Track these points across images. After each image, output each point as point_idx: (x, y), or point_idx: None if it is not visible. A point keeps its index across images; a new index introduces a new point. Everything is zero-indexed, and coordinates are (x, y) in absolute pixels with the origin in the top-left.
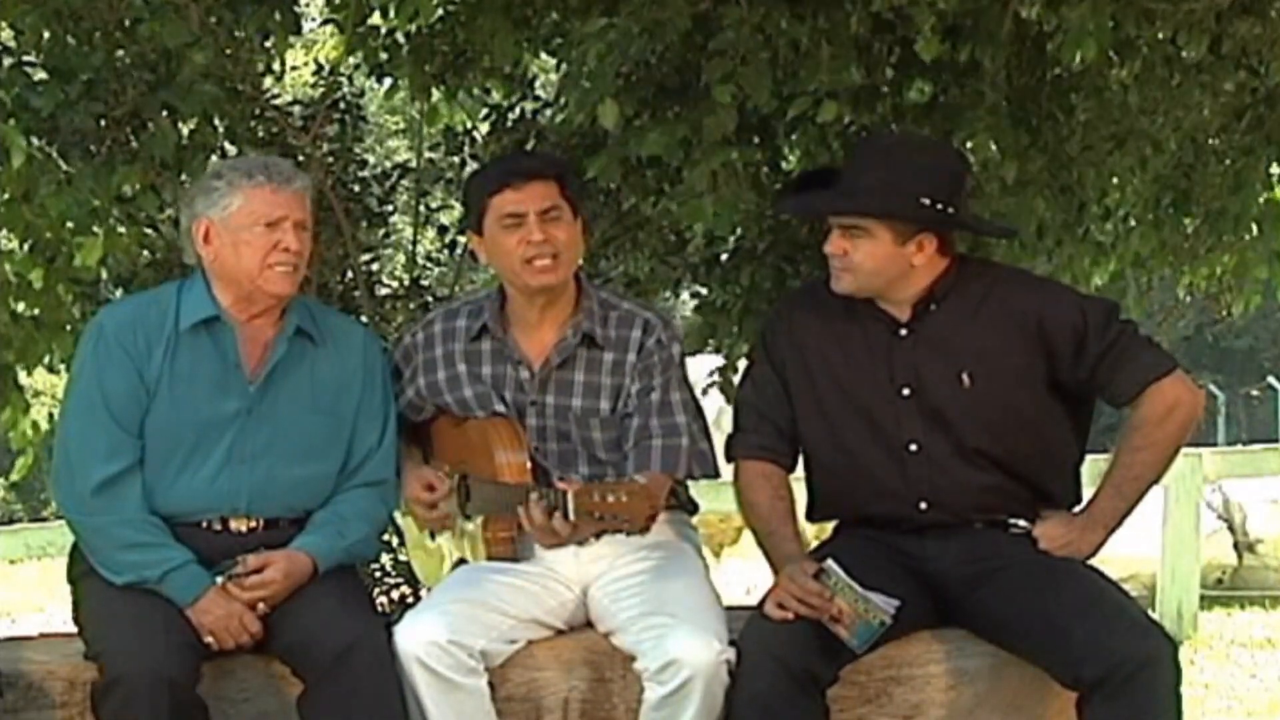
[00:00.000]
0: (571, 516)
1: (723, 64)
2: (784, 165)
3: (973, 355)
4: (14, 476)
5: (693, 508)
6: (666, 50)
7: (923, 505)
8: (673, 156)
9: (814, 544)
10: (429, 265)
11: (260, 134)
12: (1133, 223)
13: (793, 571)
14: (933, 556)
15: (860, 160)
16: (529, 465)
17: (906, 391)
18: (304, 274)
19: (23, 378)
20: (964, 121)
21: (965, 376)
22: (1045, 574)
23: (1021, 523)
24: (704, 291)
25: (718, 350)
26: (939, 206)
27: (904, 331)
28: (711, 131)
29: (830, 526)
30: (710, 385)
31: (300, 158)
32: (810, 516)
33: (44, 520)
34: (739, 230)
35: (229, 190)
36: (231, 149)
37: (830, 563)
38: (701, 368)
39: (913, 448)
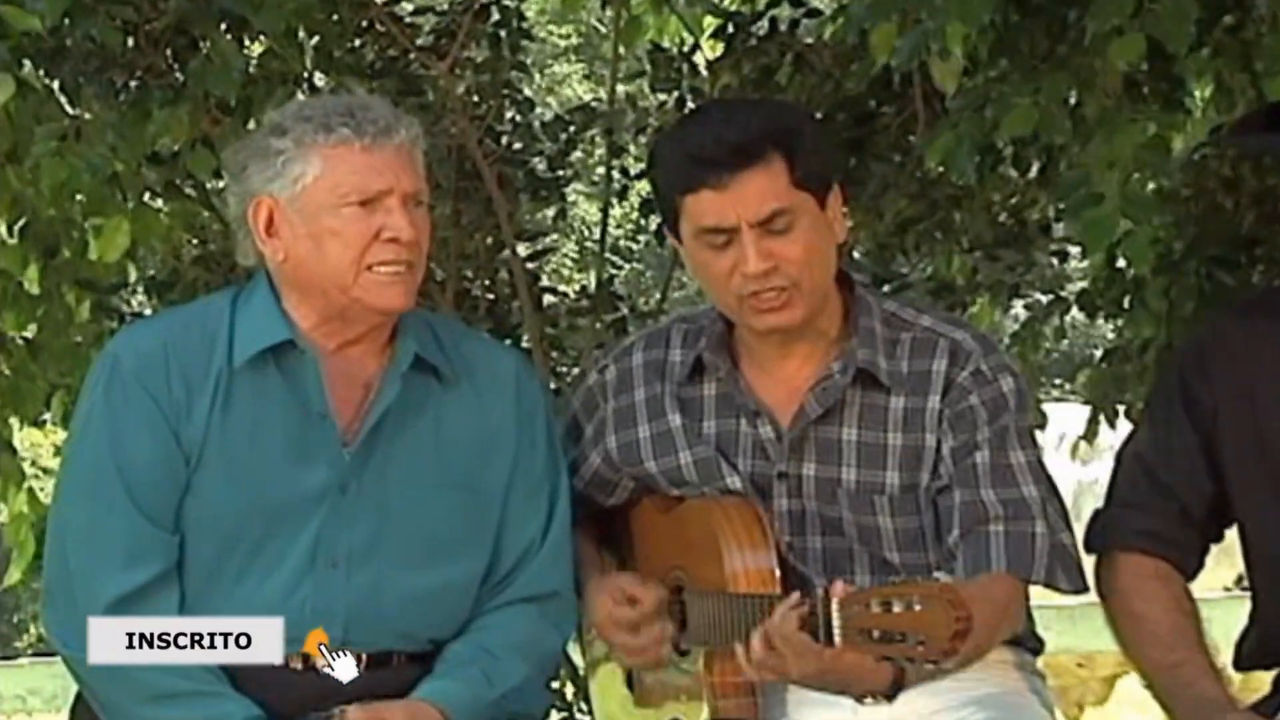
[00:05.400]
0: (837, 637)
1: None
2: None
3: None
4: (8, 580)
5: (1037, 643)
6: None
7: None
8: (1053, 133)
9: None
10: (621, 261)
11: (370, 59)
12: None
13: None
14: None
15: None
16: (776, 573)
17: None
18: (423, 275)
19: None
20: None
21: None
22: None
23: None
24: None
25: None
26: None
27: None
28: (1109, 79)
29: (1270, 678)
30: None
31: (429, 95)
32: (1240, 660)
33: (13, 658)
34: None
35: (298, 152)
36: (323, 82)
37: None
38: None
39: None
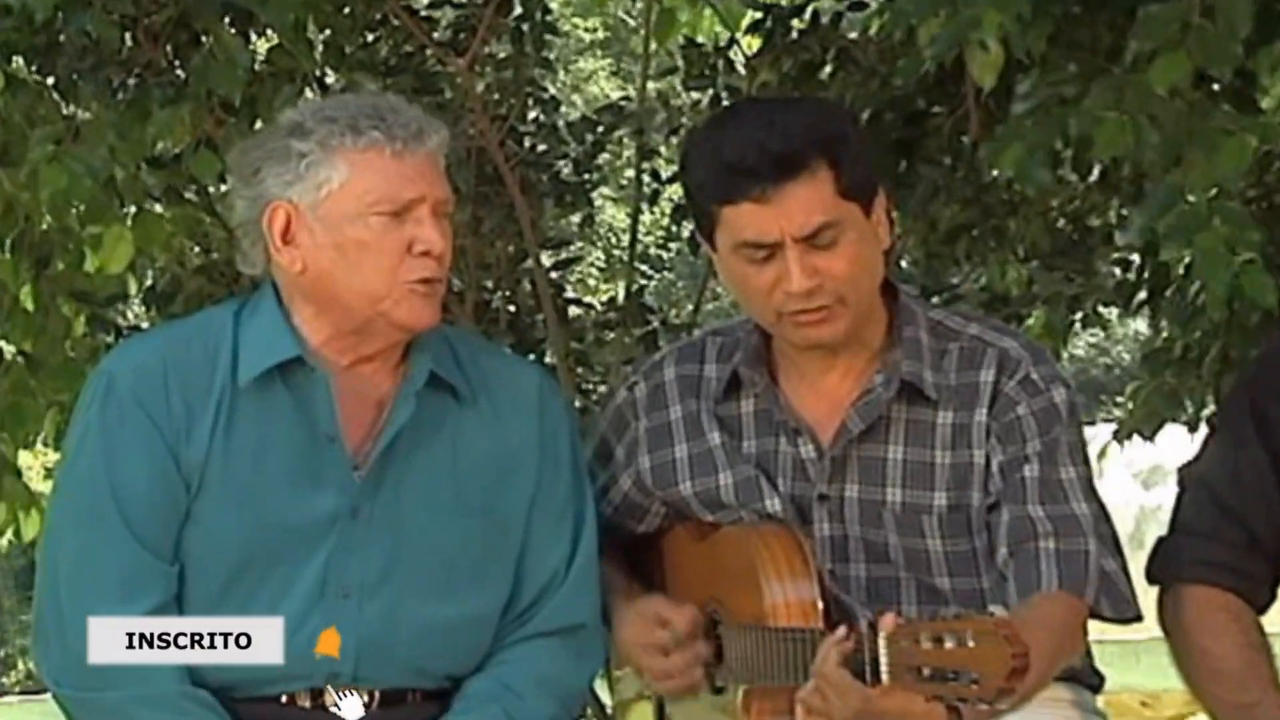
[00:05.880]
0: (885, 675)
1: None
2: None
3: None
4: None
5: (1096, 680)
6: None
7: None
8: (1147, 151)
9: None
10: (652, 270)
11: (383, 55)
12: None
13: None
14: None
15: None
16: (819, 604)
17: None
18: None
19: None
20: None
21: None
22: None
23: None
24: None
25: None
26: None
27: None
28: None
29: None
30: None
31: (447, 94)
32: None
33: (0, 695)
34: None
35: (323, 155)
36: (334, 80)
37: None
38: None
39: None
